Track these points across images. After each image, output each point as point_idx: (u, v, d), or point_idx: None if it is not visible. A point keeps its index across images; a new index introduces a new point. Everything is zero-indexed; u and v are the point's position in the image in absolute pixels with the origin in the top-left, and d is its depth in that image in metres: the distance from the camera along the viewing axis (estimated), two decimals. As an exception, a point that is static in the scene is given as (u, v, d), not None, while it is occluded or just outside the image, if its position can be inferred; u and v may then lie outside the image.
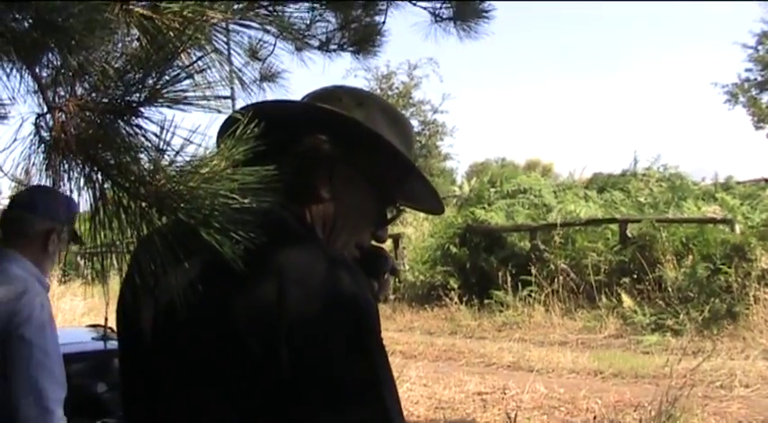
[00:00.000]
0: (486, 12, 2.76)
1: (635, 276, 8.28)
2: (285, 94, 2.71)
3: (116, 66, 0.77)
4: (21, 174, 0.78)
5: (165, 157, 0.74)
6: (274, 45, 2.45)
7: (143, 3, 0.79)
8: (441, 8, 2.81)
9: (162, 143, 0.74)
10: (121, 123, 0.74)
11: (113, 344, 2.04)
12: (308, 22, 2.56)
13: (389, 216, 1.10)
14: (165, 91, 0.74)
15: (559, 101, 44.37)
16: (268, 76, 2.67)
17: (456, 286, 9.56)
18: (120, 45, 0.79)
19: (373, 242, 1.09)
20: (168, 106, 0.75)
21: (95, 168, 0.74)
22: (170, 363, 0.90)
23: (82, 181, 0.75)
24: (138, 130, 0.74)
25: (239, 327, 0.82)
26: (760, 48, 18.00)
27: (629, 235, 8.74)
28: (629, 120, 44.05)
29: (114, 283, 0.98)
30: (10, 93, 0.79)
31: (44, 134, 0.74)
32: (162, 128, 0.74)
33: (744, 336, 6.71)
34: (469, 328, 8.66)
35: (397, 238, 10.87)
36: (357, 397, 0.82)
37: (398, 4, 2.78)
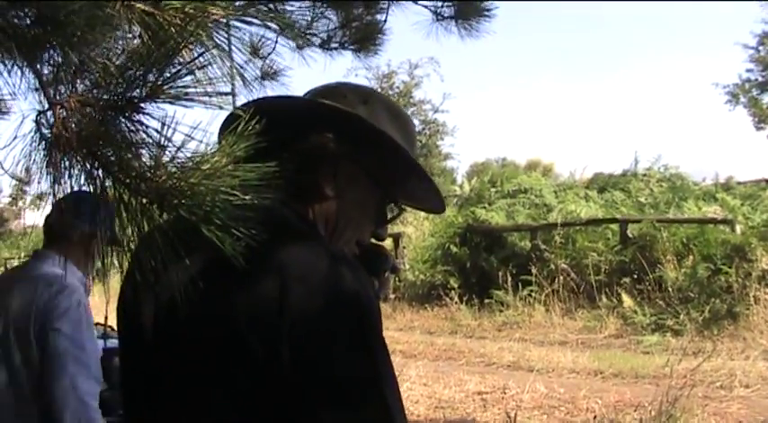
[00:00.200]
0: (488, 10, 2.77)
1: (635, 276, 8.26)
2: (286, 92, 2.71)
3: (117, 62, 0.77)
4: (21, 171, 0.77)
5: (167, 153, 0.74)
6: (276, 42, 2.45)
7: (144, -1, 0.79)
8: (442, 7, 2.81)
9: (163, 139, 0.74)
10: (122, 120, 0.74)
11: (113, 342, 2.05)
12: (310, 19, 2.57)
13: (390, 215, 1.10)
14: (166, 87, 0.74)
15: (560, 101, 44.44)
16: (269, 74, 2.66)
17: (456, 286, 9.55)
18: (121, 41, 0.79)
19: (373, 240, 1.09)
20: (169, 102, 0.75)
21: (96, 165, 0.73)
22: (170, 360, 0.90)
23: (83, 177, 0.75)
24: (139, 127, 0.74)
25: (240, 324, 0.82)
26: (761, 48, 18.00)
27: (630, 235, 8.72)
28: (629, 120, 44.11)
29: (114, 281, 0.98)
30: (11, 89, 0.78)
31: (45, 131, 0.74)
32: (163, 124, 0.74)
33: (744, 336, 6.70)
34: (470, 327, 8.65)
35: (397, 238, 10.86)
36: (359, 395, 0.81)
37: (400, 2, 2.78)
